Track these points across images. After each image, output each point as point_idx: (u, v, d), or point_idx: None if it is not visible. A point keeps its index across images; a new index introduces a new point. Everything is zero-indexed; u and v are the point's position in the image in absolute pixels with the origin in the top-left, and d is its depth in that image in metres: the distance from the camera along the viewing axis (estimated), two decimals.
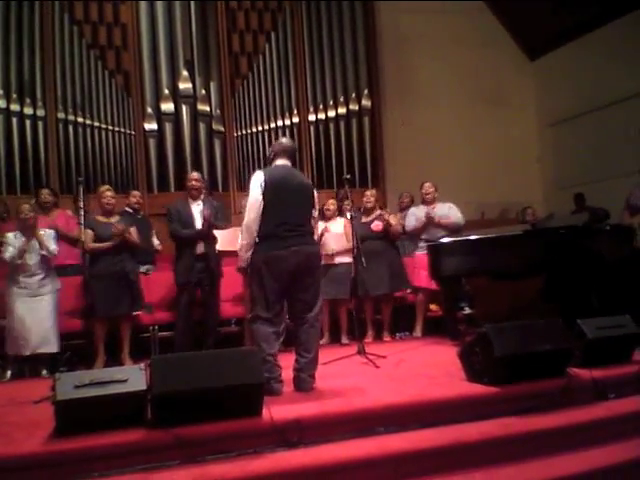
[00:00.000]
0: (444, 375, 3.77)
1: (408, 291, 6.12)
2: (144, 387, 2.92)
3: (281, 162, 3.78)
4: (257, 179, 3.64)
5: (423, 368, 4.15)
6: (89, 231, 5.06)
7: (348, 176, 5.43)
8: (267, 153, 4.03)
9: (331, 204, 6.11)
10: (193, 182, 5.49)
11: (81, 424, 2.85)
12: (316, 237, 4.07)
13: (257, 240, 3.60)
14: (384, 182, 8.73)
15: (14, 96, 7.47)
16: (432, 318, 6.19)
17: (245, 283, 4.68)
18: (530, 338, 3.47)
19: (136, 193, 6.47)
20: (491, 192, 8.93)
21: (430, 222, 5.84)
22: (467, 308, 6.21)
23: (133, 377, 2.95)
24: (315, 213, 3.86)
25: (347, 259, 5.61)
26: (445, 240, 5.35)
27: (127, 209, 6.14)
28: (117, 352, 5.20)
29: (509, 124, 9.49)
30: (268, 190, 3.58)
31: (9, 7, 7.53)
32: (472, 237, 5.20)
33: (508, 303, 4.89)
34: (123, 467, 2.71)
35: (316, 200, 3.85)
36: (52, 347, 4.85)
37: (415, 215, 6.04)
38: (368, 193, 6.10)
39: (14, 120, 7.46)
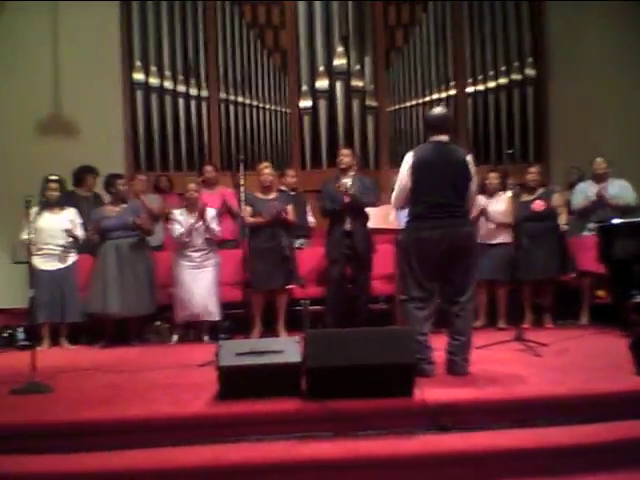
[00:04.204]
0: (611, 367, 3.56)
1: (572, 275, 5.72)
2: (299, 359, 3.01)
3: (435, 138, 3.65)
4: (406, 161, 3.64)
5: (588, 359, 3.93)
6: (248, 207, 5.31)
7: (510, 151, 5.17)
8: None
9: (494, 178, 5.77)
10: (341, 157, 5.58)
11: (241, 390, 3.02)
12: (475, 213, 3.90)
13: (408, 220, 3.64)
14: (548, 157, 8.16)
15: (180, 77, 7.93)
16: (599, 305, 5.76)
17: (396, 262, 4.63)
18: None
19: (291, 172, 6.64)
20: None
21: (601, 201, 5.38)
22: (638, 296, 5.67)
23: (288, 349, 3.07)
24: (473, 187, 3.69)
25: (507, 239, 5.46)
26: (617, 222, 4.97)
27: (282, 187, 6.31)
28: (272, 323, 5.46)
29: None
30: (417, 172, 3.57)
31: None
32: None
33: None
34: (278, 434, 2.83)
35: (473, 175, 3.67)
36: (214, 315, 5.36)
37: (584, 193, 5.60)
38: (533, 170, 5.72)
39: (180, 101, 7.92)
